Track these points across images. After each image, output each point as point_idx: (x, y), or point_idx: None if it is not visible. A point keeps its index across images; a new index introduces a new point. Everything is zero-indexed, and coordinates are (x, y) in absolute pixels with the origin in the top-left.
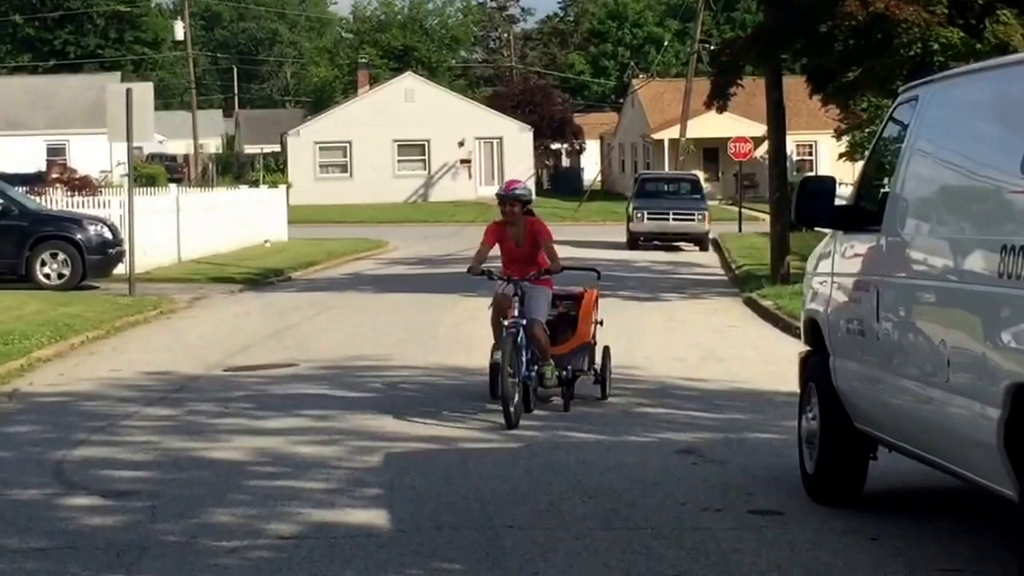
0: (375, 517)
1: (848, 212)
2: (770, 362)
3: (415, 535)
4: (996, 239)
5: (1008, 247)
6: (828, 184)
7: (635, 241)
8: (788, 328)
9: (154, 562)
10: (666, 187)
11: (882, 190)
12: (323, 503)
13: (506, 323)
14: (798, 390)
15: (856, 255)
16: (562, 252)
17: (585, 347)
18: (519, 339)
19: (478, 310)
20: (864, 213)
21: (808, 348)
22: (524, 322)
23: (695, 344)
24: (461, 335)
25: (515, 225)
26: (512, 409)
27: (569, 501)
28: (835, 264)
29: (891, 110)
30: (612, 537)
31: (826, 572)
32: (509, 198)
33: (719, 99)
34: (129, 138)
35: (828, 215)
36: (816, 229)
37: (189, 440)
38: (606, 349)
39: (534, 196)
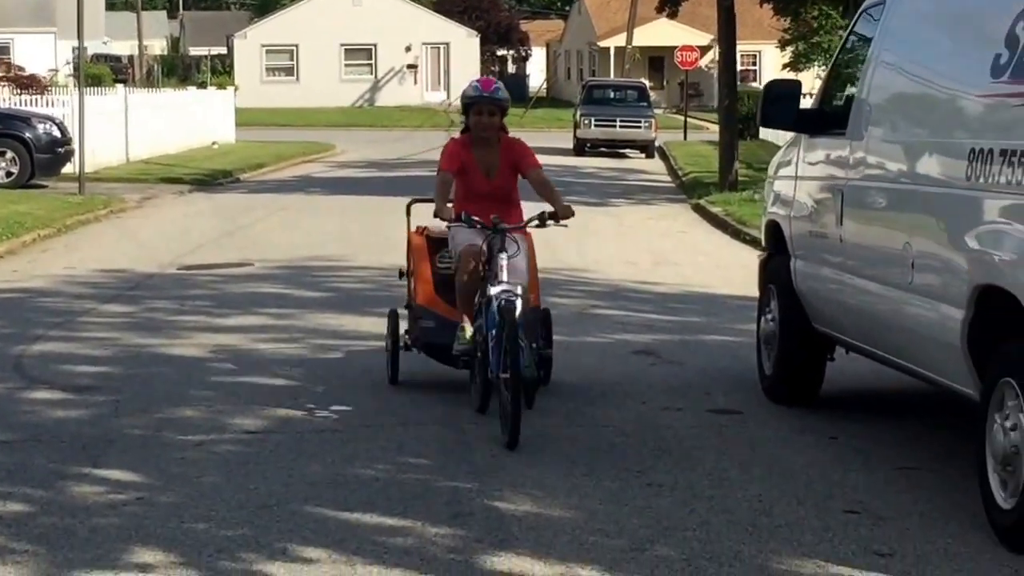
0: (340, 413)
1: (813, 116)
2: (722, 267)
3: (380, 431)
4: (964, 143)
5: (976, 151)
6: (793, 88)
7: (582, 147)
8: (737, 234)
9: (120, 455)
10: (613, 94)
11: (847, 94)
12: (287, 399)
13: (494, 291)
14: (751, 294)
15: (820, 159)
16: None
17: (537, 312)
18: (517, 316)
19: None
20: (829, 117)
21: (768, 251)
22: (519, 292)
23: (646, 248)
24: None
25: (487, 146)
26: (480, 399)
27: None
28: (798, 168)
29: (859, 13)
30: (575, 435)
31: (787, 469)
32: (486, 101)
33: (670, 4)
34: (80, 36)
35: (793, 118)
36: (768, 138)
37: (148, 336)
38: (546, 312)
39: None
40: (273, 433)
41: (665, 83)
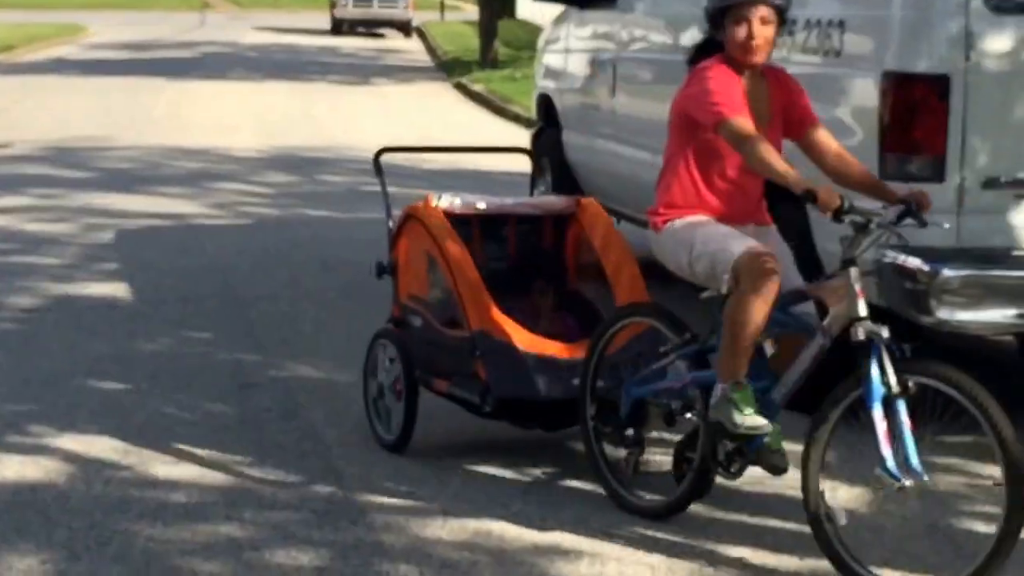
0: (117, 290)
1: None
2: (484, 143)
3: (160, 307)
4: None
5: None
6: None
7: (339, 27)
8: (500, 111)
9: None
10: None
11: None
12: (62, 277)
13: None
14: (517, 169)
15: (591, 32)
16: (264, 39)
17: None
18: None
19: (192, 93)
20: None
21: (539, 124)
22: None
23: (411, 127)
24: (177, 117)
25: (753, 79)
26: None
27: (306, 274)
28: (569, 41)
29: None
30: (354, 306)
31: None
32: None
33: None
34: None
35: None
36: (526, 18)
37: None
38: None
39: None
40: (51, 311)
41: None
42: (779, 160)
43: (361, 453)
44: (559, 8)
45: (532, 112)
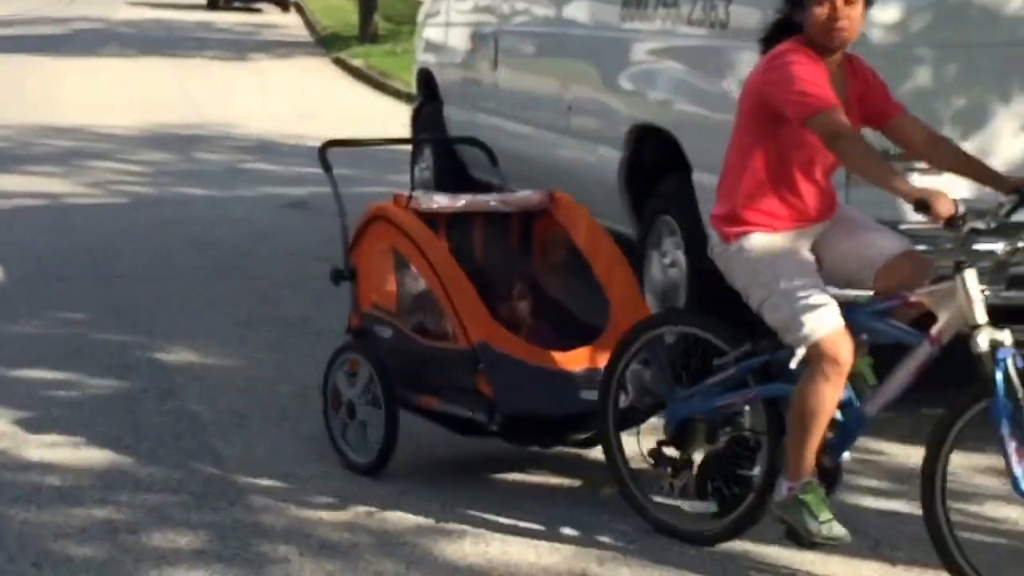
0: None
1: None
2: (366, 119)
3: (26, 287)
4: None
5: None
6: None
7: (215, 2)
8: (380, 86)
9: None
10: None
11: None
12: None
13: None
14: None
15: (473, 5)
16: (138, 14)
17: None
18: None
19: (64, 70)
20: None
21: (420, 99)
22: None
23: (290, 102)
24: (49, 95)
25: (831, 67)
26: None
27: (180, 253)
28: (450, 15)
29: None
30: (228, 286)
31: None
32: None
33: None
34: None
35: None
36: None
37: None
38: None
39: None
40: None
41: None
42: (882, 161)
43: (239, 434)
44: None
45: (412, 87)
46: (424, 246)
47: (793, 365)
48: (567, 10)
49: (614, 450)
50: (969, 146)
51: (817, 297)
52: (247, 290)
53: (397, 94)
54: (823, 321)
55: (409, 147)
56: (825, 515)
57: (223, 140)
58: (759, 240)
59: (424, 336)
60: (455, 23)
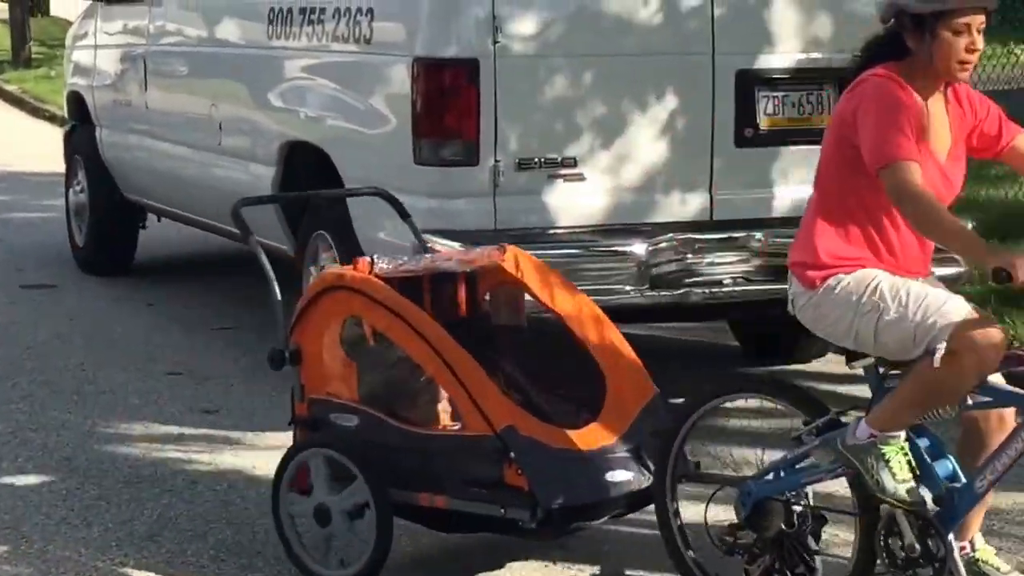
0: None
1: None
2: (20, 144)
3: None
4: (263, 3)
5: (276, 11)
6: None
7: None
8: (36, 111)
9: None
10: None
11: None
12: None
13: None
14: (54, 170)
15: (121, 27)
16: None
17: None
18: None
19: None
20: None
21: (72, 122)
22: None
23: None
24: None
25: (936, 98)
26: None
27: None
28: (98, 36)
29: None
30: None
31: (108, 338)
32: (979, 7)
33: None
34: None
35: None
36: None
37: None
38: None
39: None
40: None
41: None
42: (955, 223)
43: None
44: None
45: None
46: (413, 320)
47: (937, 363)
48: (215, 29)
49: (675, 537)
50: (608, 154)
51: (936, 293)
52: None
53: (53, 118)
54: (953, 307)
55: (64, 170)
56: (904, 474)
57: None
58: (852, 275)
59: (405, 424)
60: (104, 45)
